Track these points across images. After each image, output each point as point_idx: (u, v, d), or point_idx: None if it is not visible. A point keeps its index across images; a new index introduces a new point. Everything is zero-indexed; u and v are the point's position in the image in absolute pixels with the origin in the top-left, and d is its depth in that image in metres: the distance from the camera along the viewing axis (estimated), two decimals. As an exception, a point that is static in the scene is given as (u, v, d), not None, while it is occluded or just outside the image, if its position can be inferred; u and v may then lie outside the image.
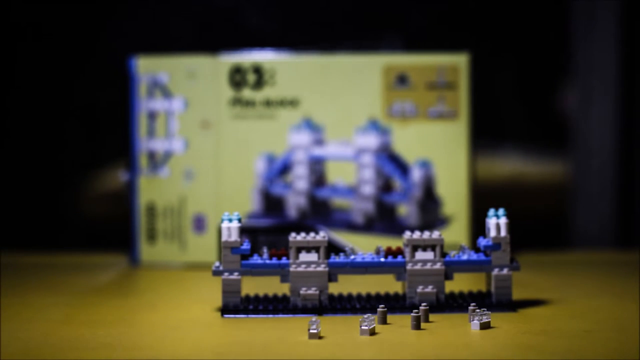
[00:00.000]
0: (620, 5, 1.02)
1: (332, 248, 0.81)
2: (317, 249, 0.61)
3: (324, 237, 0.61)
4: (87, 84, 1.04)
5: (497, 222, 0.61)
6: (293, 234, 0.61)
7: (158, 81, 0.84)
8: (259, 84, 0.84)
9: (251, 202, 0.84)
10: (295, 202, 0.84)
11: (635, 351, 0.50)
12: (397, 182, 0.84)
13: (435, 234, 0.61)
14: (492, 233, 0.61)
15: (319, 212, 0.84)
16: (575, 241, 1.04)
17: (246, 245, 0.61)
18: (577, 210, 1.04)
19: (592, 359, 0.49)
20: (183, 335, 0.56)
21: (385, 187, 0.84)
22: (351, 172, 0.84)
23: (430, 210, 0.83)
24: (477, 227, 0.83)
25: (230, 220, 0.61)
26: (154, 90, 0.84)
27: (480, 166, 0.97)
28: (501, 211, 0.61)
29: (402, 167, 0.83)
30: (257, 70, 0.84)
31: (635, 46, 1.03)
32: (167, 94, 0.84)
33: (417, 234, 0.61)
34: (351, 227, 0.84)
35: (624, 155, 1.04)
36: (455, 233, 0.83)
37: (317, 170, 0.84)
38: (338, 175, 0.84)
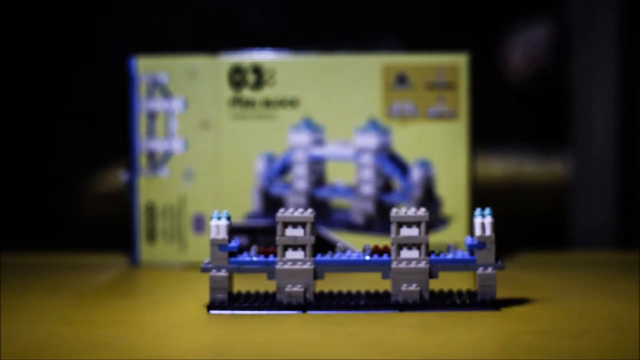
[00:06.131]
0: (620, 5, 1.02)
1: (328, 245, 0.82)
2: (303, 247, 0.61)
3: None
4: (87, 84, 1.04)
5: (482, 222, 0.62)
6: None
7: (158, 81, 0.84)
8: (258, 84, 0.84)
9: (251, 202, 0.84)
10: (295, 202, 0.84)
11: (634, 351, 0.50)
12: (397, 182, 0.84)
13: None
14: (477, 232, 0.62)
15: (319, 212, 0.84)
16: (575, 241, 1.04)
17: (234, 243, 0.62)
18: (577, 210, 1.04)
19: (591, 359, 0.49)
20: (183, 335, 0.56)
21: (385, 187, 0.84)
22: (351, 172, 0.84)
23: (430, 210, 0.83)
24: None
25: (219, 218, 0.62)
26: (153, 90, 0.84)
27: (480, 166, 0.97)
28: (487, 210, 0.62)
29: (402, 167, 0.83)
30: (257, 70, 0.84)
31: (635, 46, 1.03)
32: (167, 94, 0.84)
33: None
34: (351, 227, 0.84)
35: (624, 155, 1.04)
36: (455, 233, 0.83)
37: (317, 170, 0.84)
38: (338, 175, 0.84)
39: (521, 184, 1.06)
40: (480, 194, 0.88)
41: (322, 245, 0.81)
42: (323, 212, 0.84)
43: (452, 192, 0.84)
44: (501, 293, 0.67)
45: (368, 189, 0.84)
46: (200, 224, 0.84)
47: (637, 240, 1.03)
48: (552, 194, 1.06)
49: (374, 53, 0.84)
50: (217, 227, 0.62)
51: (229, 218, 0.62)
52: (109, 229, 1.00)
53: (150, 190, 0.84)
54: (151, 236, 0.84)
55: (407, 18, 1.04)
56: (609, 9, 1.02)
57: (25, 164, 1.04)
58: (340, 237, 0.84)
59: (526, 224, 1.05)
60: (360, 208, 0.84)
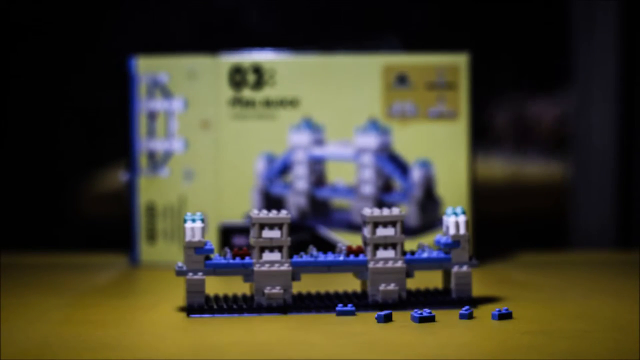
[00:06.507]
0: (620, 5, 1.02)
1: (327, 245, 0.82)
2: (280, 249, 0.61)
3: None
4: (87, 84, 1.04)
5: (456, 220, 0.62)
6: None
7: (158, 81, 0.84)
8: (259, 84, 0.84)
9: (251, 202, 0.84)
10: (295, 202, 0.84)
11: (635, 351, 0.50)
12: (397, 182, 0.84)
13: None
14: (452, 231, 0.62)
15: (319, 212, 0.84)
16: (575, 241, 1.04)
17: (209, 246, 0.61)
18: (577, 210, 1.04)
19: (591, 359, 0.49)
20: (183, 335, 0.56)
21: (385, 187, 0.84)
22: (351, 172, 0.84)
23: (430, 210, 0.83)
24: (477, 227, 0.83)
25: (193, 221, 0.61)
26: (154, 90, 0.84)
27: (480, 166, 0.97)
28: (459, 209, 0.62)
29: (402, 167, 0.83)
30: (257, 70, 0.84)
31: (635, 46, 1.03)
32: (167, 94, 0.84)
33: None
34: (351, 227, 0.84)
35: (624, 155, 1.04)
36: (455, 233, 0.83)
37: (317, 170, 0.84)
38: (338, 175, 0.84)
39: (521, 184, 1.06)
40: (480, 194, 0.88)
41: (322, 245, 0.82)
42: (323, 212, 0.84)
43: (452, 192, 0.84)
44: (501, 293, 0.67)
45: (368, 189, 0.84)
46: (200, 224, 0.84)
47: (637, 240, 1.03)
48: (552, 194, 1.06)
49: (374, 53, 0.84)
50: (192, 230, 0.61)
51: (203, 220, 0.61)
52: (109, 229, 1.00)
53: (151, 190, 0.84)
54: (151, 236, 0.84)
55: (407, 18, 1.04)
56: (609, 9, 1.02)
57: (25, 164, 1.04)
58: (341, 238, 0.84)
59: (526, 224, 1.05)
60: (360, 208, 0.84)
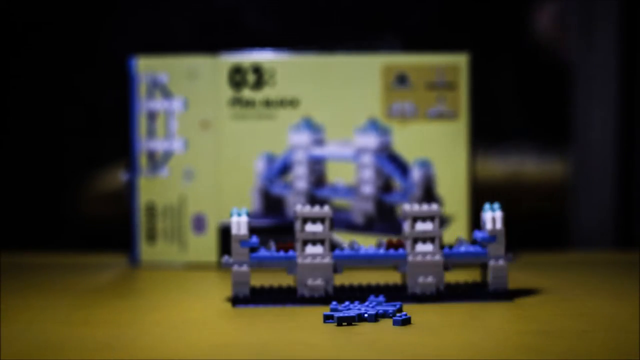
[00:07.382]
0: (620, 5, 1.02)
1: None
2: (322, 242, 0.63)
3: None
4: (87, 84, 1.04)
5: (492, 216, 0.64)
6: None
7: (158, 81, 0.84)
8: (258, 84, 0.84)
9: (251, 202, 0.84)
10: (295, 202, 0.84)
11: (634, 351, 0.50)
12: (397, 182, 0.84)
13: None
14: (488, 226, 0.64)
15: (319, 212, 0.84)
16: (575, 241, 1.04)
17: (254, 239, 0.64)
18: (577, 210, 1.04)
19: (591, 359, 0.49)
20: (183, 335, 0.56)
21: (385, 187, 0.84)
22: (351, 172, 0.84)
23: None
24: (477, 227, 0.83)
25: (239, 215, 0.64)
26: (154, 90, 0.84)
27: (480, 166, 0.97)
28: (496, 205, 0.64)
29: (402, 167, 0.83)
30: (257, 70, 0.84)
31: (635, 45, 1.03)
32: (167, 94, 0.84)
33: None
34: (351, 227, 0.84)
35: (624, 154, 1.04)
36: (455, 233, 0.83)
37: (317, 170, 0.84)
38: (338, 175, 0.84)
39: (521, 184, 1.06)
40: (480, 194, 0.88)
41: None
42: (323, 212, 0.84)
43: (452, 192, 0.84)
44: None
45: (368, 189, 0.84)
46: (200, 224, 0.84)
47: (637, 240, 1.03)
48: (552, 194, 1.06)
49: (374, 53, 0.84)
50: (238, 223, 0.63)
51: (248, 214, 0.64)
52: (109, 229, 1.00)
53: (150, 190, 0.84)
54: (151, 236, 0.84)
55: (407, 18, 1.04)
56: (609, 9, 1.02)
57: (25, 164, 1.04)
58: (341, 237, 0.84)
59: (526, 224, 1.05)
60: (360, 208, 0.84)
